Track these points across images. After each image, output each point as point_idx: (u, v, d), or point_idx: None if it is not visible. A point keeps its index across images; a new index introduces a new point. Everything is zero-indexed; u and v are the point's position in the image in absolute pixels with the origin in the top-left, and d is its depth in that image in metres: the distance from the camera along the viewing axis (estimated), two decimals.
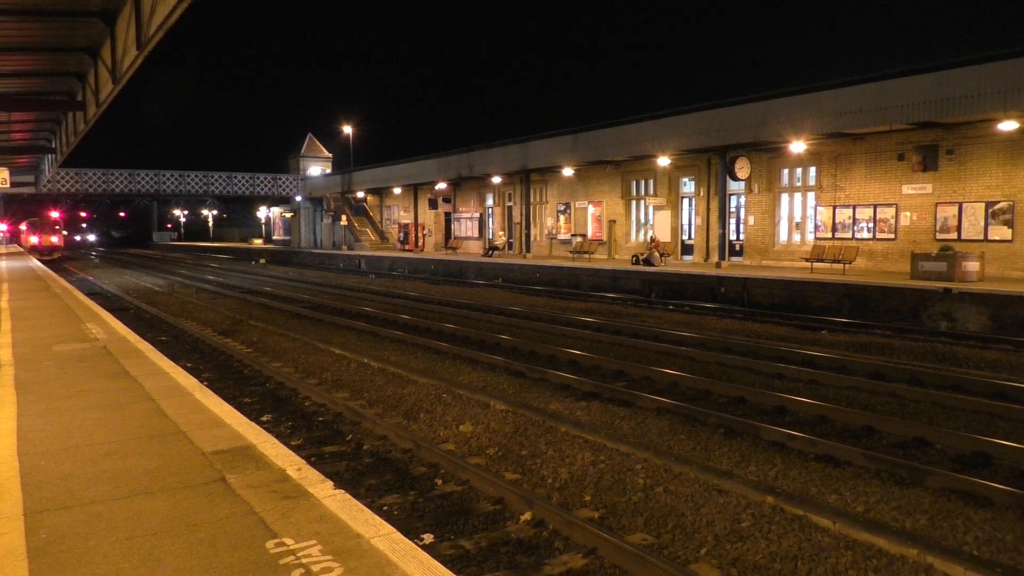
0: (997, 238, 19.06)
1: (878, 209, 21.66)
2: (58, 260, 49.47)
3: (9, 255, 42.08)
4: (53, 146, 30.75)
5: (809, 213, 24.10)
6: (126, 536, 3.77)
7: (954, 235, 19.77)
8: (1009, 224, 18.86)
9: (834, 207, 22.83)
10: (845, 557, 5.05)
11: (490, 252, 34.79)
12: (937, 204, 20.28)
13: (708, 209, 26.76)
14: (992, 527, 5.53)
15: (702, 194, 27.19)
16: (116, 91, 15.74)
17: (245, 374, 11.61)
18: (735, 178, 24.20)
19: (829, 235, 22.87)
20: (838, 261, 21.09)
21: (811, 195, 23.91)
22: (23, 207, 65.77)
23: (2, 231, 62.76)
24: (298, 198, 55.54)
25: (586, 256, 30.28)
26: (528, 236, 33.81)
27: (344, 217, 51.21)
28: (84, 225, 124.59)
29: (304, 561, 3.44)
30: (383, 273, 36.07)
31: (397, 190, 45.08)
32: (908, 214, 20.99)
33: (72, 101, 20.35)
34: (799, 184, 24.45)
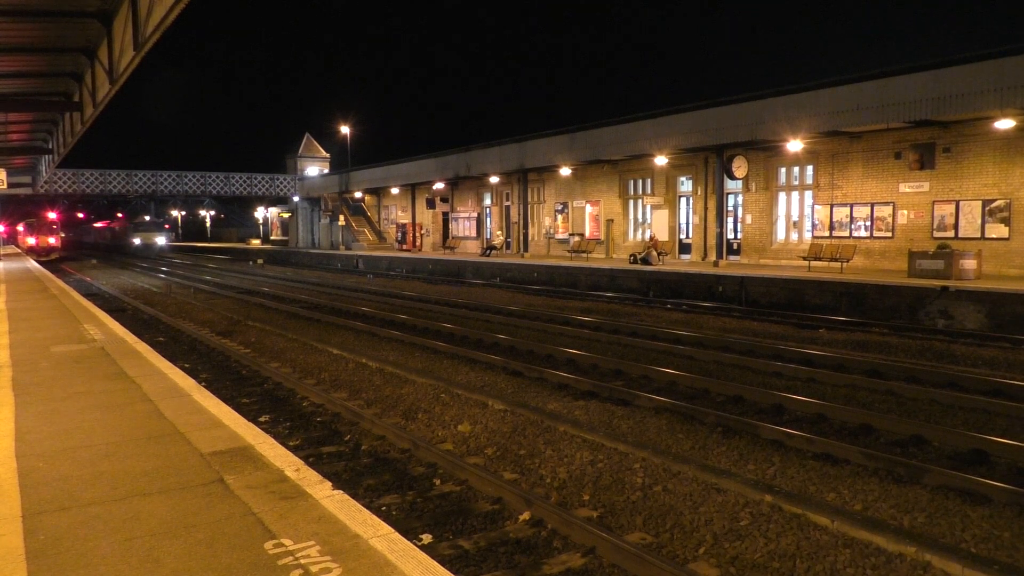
0: (994, 236, 19.08)
1: (875, 207, 21.68)
2: (55, 261, 49.49)
3: (7, 256, 42.01)
4: (50, 147, 30.69)
5: (806, 212, 24.10)
6: (125, 537, 3.77)
7: (951, 233, 19.79)
8: (1006, 222, 18.89)
9: (831, 205, 22.85)
10: (843, 555, 5.05)
11: (488, 252, 34.76)
12: (934, 202, 20.30)
13: (705, 208, 26.76)
14: (990, 524, 5.55)
15: (699, 193, 27.20)
16: (113, 92, 15.71)
17: (243, 374, 11.60)
18: (732, 177, 24.21)
19: (826, 233, 22.88)
20: (835, 259, 21.10)
21: (808, 194, 23.92)
22: (20, 208, 65.70)
23: None
24: (296, 198, 55.47)
25: (584, 255, 30.29)
26: (526, 235, 33.79)
27: (342, 217, 51.17)
28: (148, 217, 74.36)
29: (303, 562, 3.45)
30: (381, 273, 36.05)
31: (395, 190, 45.05)
32: (905, 212, 21.01)
33: (69, 102, 20.31)
34: (796, 183, 24.45)
